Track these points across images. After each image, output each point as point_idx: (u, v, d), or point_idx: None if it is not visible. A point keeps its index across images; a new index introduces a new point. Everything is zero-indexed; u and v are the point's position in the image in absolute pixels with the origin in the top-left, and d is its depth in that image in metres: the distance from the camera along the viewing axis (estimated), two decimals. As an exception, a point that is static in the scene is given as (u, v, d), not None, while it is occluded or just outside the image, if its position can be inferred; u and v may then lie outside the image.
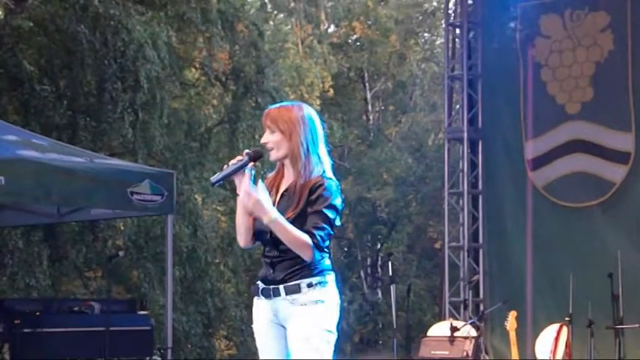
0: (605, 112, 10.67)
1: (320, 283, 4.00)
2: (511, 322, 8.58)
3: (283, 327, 4.05)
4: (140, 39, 13.90)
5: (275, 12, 25.04)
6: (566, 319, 9.07)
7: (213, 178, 4.05)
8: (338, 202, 4.02)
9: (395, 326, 9.90)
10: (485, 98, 11.88)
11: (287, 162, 4.07)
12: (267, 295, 4.05)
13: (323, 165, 4.08)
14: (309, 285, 3.98)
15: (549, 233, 10.91)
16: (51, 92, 13.78)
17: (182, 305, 15.10)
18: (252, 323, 4.17)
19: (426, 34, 28.36)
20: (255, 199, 3.91)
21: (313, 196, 3.96)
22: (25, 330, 8.59)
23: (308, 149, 4.04)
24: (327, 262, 4.06)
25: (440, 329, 9.92)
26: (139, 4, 14.73)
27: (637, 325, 8.53)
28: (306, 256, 3.93)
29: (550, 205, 10.95)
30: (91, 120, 14.36)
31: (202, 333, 16.02)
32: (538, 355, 8.87)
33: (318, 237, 3.93)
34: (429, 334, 10.09)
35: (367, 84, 26.74)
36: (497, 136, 11.75)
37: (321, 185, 3.98)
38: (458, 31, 12.37)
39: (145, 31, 14.25)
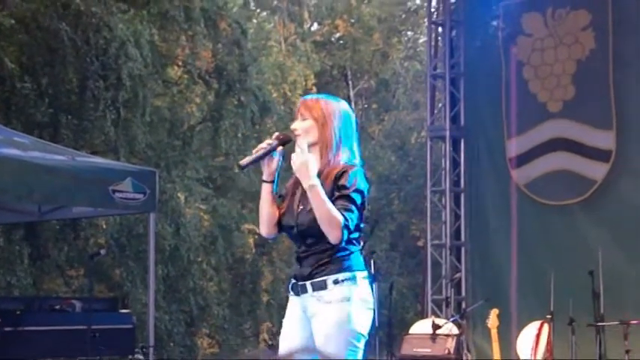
0: (587, 110, 10.70)
1: (348, 279, 3.92)
2: (493, 320, 8.60)
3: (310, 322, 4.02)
4: (122, 37, 13.86)
5: (258, 10, 25.02)
6: (548, 316, 9.09)
7: (243, 162, 4.05)
8: (364, 187, 3.99)
9: (377, 324, 9.90)
10: (467, 96, 11.91)
11: (315, 150, 4.04)
12: (296, 291, 4.03)
13: (354, 159, 4.07)
14: (336, 282, 3.92)
15: (531, 231, 10.94)
16: (32, 90, 13.72)
17: (164, 304, 15.08)
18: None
19: (409, 33, 28.40)
20: (305, 160, 3.90)
21: (340, 182, 3.94)
22: (6, 329, 8.54)
23: (341, 140, 4.05)
24: (359, 258, 4.01)
25: (422, 327, 9.93)
26: (121, 1, 14.69)
27: (617, 323, 8.56)
28: (333, 235, 3.85)
29: (532, 203, 10.98)
30: (72, 118, 14.30)
31: (185, 331, 16.00)
32: (519, 353, 8.90)
33: (348, 218, 3.87)
34: (411, 331, 10.10)
35: (350, 82, 26.74)
36: (480, 134, 11.77)
37: (345, 171, 3.97)
38: (440, 29, 12.40)
39: (128, 29, 14.22)
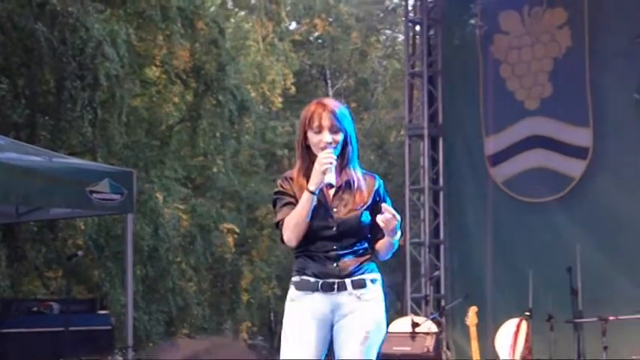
0: (564, 108, 10.76)
1: (379, 280, 4.02)
2: (471, 318, 8.62)
3: (331, 324, 3.97)
4: (99, 37, 13.78)
5: (236, 9, 24.96)
6: (526, 313, 9.12)
7: (334, 180, 3.94)
8: None
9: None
10: (445, 95, 11.94)
11: (338, 161, 4.03)
12: (329, 289, 3.96)
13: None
14: (373, 281, 4.00)
15: (509, 228, 10.98)
16: (9, 91, 13.63)
17: (143, 304, 15.02)
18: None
19: (387, 31, 28.43)
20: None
21: (382, 191, 4.08)
22: (-16, 331, 8.50)
23: (356, 147, 4.10)
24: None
25: (401, 325, 9.93)
26: (98, 1, 14.62)
27: (595, 319, 8.60)
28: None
29: (510, 201, 11.02)
30: (49, 118, 14.21)
31: (164, 332, 15.95)
32: (498, 351, 8.92)
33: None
34: (390, 330, 10.06)
35: (329, 81, 26.74)
36: (458, 132, 11.80)
37: (381, 182, 4.11)
38: (418, 27, 12.41)
39: (104, 29, 14.14)
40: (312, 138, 4.03)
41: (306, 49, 26.02)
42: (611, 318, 8.48)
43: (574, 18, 10.74)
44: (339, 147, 4.01)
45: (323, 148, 3.98)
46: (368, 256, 4.01)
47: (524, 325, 8.86)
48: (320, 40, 26.44)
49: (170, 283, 15.68)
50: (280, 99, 21.85)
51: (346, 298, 3.97)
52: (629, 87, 10.42)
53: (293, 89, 22.73)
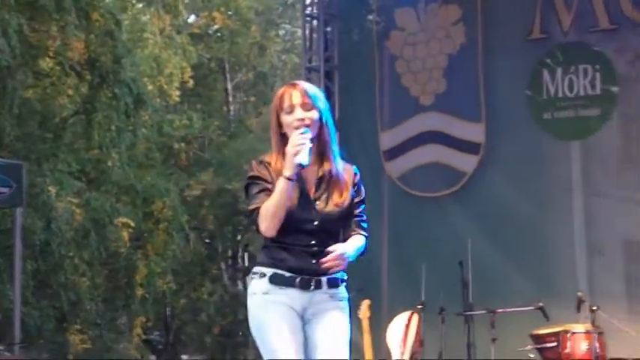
0: (458, 104, 10.89)
1: (345, 280, 3.97)
2: (363, 311, 8.66)
3: (303, 322, 3.86)
4: (-11, 26, 13.46)
5: (133, 1, 24.63)
6: (419, 306, 9.20)
7: (305, 160, 3.72)
8: None
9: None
10: (342, 90, 11.95)
11: (315, 146, 3.85)
12: (305, 286, 3.83)
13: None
14: (342, 281, 3.94)
15: (404, 223, 11.07)
16: None
17: (34, 299, 14.73)
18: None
19: (286, 26, 28.42)
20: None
21: (357, 182, 3.98)
22: None
23: (333, 132, 3.94)
24: None
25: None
26: (-12, -10, 14.27)
27: (484, 312, 8.74)
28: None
29: (404, 195, 11.12)
30: (-62, 110, 13.84)
31: (55, 328, 15.69)
32: (389, 344, 8.97)
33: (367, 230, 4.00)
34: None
35: (228, 75, 26.62)
36: (354, 127, 11.83)
37: (356, 171, 3.99)
38: (316, 22, 12.42)
39: (-5, 19, 13.82)
40: (285, 119, 3.84)
41: (205, 43, 25.82)
42: (499, 310, 8.62)
43: (468, 15, 10.88)
44: (316, 128, 3.82)
45: (297, 128, 3.79)
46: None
47: (415, 318, 8.94)
48: (219, 34, 26.27)
49: (62, 277, 15.41)
50: (178, 92, 21.66)
51: (320, 297, 3.87)
52: (521, 84, 10.60)
53: (191, 82, 22.56)
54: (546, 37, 10.46)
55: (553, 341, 8.26)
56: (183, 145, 22.57)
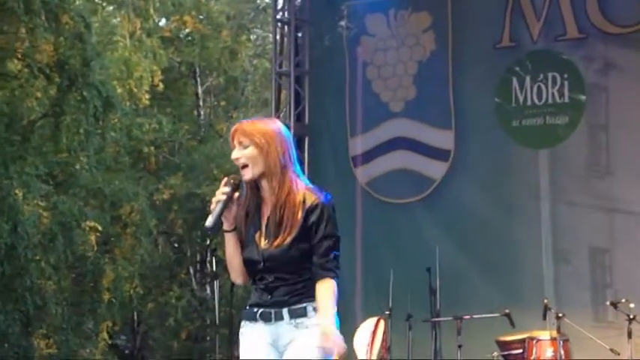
0: (427, 111, 10.95)
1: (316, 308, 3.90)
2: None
3: (279, 352, 3.92)
4: (-44, 28, 13.33)
5: (103, 4, 24.51)
6: (386, 312, 9.21)
7: (209, 224, 3.82)
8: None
9: (217, 322, 9.82)
10: (312, 95, 11.96)
11: (264, 181, 3.87)
12: (267, 318, 3.90)
13: (302, 179, 3.92)
14: (314, 309, 3.88)
15: (374, 229, 11.09)
16: None
17: (-1, 303, 14.61)
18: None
19: (257, 30, 28.40)
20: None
21: (314, 217, 3.84)
22: None
23: (286, 165, 3.85)
24: None
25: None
26: (-46, -9, 14.13)
27: (451, 318, 8.76)
28: None
29: (374, 202, 11.14)
30: None
31: (20, 332, 15.55)
32: (356, 350, 8.96)
33: (335, 269, 3.92)
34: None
35: (199, 79, 26.53)
36: (324, 132, 11.86)
37: (317, 204, 3.86)
38: (287, 27, 12.42)
39: (-38, 20, 13.69)
40: None
41: (176, 46, 25.72)
42: (466, 317, 8.66)
43: (438, 22, 10.93)
44: (259, 163, 3.83)
45: (242, 168, 3.88)
46: (304, 286, 3.89)
47: (381, 324, 8.94)
48: (190, 38, 26.19)
49: (28, 281, 15.25)
50: (148, 96, 21.54)
51: (285, 328, 3.90)
52: (490, 91, 10.67)
53: (161, 86, 22.45)
54: (515, 45, 10.54)
55: (519, 348, 8.31)
56: (152, 148, 22.44)
